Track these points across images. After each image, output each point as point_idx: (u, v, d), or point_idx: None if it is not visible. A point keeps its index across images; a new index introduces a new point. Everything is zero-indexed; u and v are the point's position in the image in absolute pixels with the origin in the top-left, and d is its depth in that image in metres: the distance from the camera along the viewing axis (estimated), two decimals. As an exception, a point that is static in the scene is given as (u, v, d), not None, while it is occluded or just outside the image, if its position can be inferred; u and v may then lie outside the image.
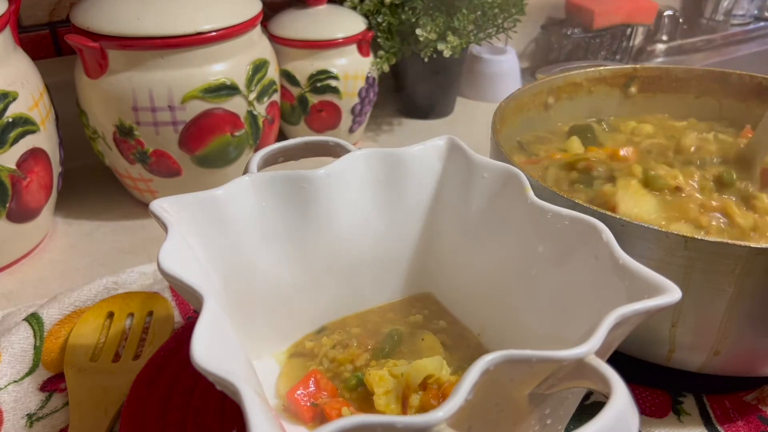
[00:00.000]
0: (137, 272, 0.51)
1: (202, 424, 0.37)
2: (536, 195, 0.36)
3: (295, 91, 0.69)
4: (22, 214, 0.51)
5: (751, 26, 1.17)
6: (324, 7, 0.69)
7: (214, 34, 0.54)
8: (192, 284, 0.28)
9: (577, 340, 0.24)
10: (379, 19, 0.71)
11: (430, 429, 0.21)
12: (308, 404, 0.36)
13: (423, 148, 0.41)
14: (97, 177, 0.67)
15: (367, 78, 0.70)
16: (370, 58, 0.71)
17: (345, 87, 0.69)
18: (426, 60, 0.72)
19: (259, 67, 0.58)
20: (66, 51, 0.67)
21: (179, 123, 0.55)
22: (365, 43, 0.69)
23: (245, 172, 0.38)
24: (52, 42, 0.67)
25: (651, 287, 0.28)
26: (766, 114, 0.44)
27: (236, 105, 0.57)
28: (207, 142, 0.57)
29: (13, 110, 0.48)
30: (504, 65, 0.87)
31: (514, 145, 0.52)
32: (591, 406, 0.39)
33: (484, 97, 0.88)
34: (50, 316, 0.46)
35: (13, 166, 0.49)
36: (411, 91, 0.80)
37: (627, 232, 0.34)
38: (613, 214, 0.35)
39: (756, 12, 1.19)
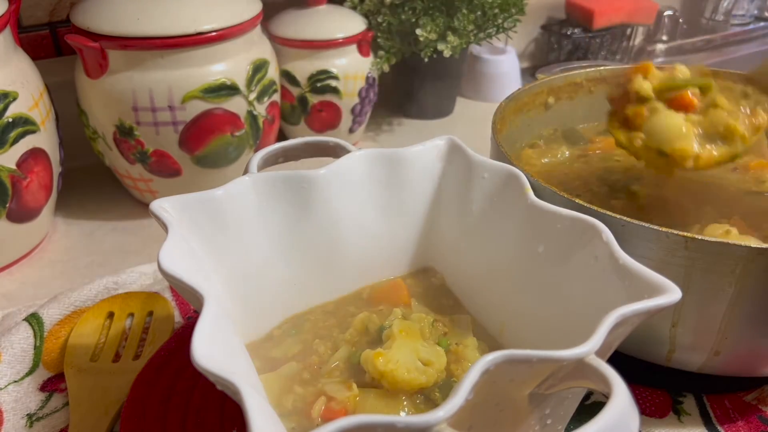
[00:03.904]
0: (137, 272, 0.51)
1: (202, 424, 0.37)
2: (536, 195, 0.36)
3: (295, 91, 0.69)
4: (22, 214, 0.51)
5: (751, 26, 1.17)
6: (324, 7, 0.69)
7: (214, 34, 0.54)
8: (192, 284, 0.28)
9: (578, 340, 0.24)
10: (379, 19, 0.71)
11: (431, 429, 0.21)
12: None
13: (423, 148, 0.41)
14: (97, 177, 0.67)
15: (367, 78, 0.70)
16: (370, 58, 0.71)
17: (345, 87, 0.69)
18: (426, 60, 0.72)
19: (259, 67, 0.58)
20: (66, 51, 0.67)
21: (179, 123, 0.55)
22: (365, 43, 0.69)
23: (245, 172, 0.38)
24: (52, 42, 0.67)
25: (651, 287, 0.28)
26: None
27: (236, 105, 0.57)
28: (207, 142, 0.57)
29: (13, 110, 0.48)
30: (504, 65, 0.87)
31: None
32: (591, 406, 0.39)
33: (484, 97, 0.88)
34: (50, 316, 0.46)
35: (13, 166, 0.49)
36: (411, 90, 0.80)
37: (627, 232, 0.34)
38: (612, 214, 0.35)
39: (756, 12, 1.19)
